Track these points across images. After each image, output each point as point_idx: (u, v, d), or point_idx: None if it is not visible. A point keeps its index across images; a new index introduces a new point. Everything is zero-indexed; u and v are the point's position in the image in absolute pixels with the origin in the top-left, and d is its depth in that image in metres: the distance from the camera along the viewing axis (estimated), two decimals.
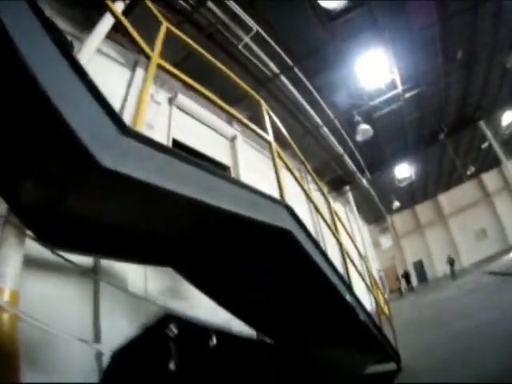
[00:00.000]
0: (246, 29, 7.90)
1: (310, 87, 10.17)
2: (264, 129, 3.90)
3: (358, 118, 11.63)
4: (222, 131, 9.88)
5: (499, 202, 27.18)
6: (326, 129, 11.94)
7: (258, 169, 10.58)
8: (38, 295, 3.53)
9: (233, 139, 10.22)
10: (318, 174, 16.09)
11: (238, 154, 9.97)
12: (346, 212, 20.12)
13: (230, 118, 10.13)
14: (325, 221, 4.44)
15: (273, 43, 8.51)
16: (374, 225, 29.44)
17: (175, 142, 7.72)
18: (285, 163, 3.82)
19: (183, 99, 8.36)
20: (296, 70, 9.51)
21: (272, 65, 9.14)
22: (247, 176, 9.26)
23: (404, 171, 19.03)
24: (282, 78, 9.56)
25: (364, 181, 17.77)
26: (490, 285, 10.73)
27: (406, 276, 24.55)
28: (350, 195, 18.45)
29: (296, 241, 2.51)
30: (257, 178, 9.50)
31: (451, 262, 20.82)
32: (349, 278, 3.95)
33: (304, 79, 9.86)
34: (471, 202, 28.42)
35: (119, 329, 4.06)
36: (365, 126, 11.47)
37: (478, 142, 20.21)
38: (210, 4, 7.18)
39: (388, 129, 14.26)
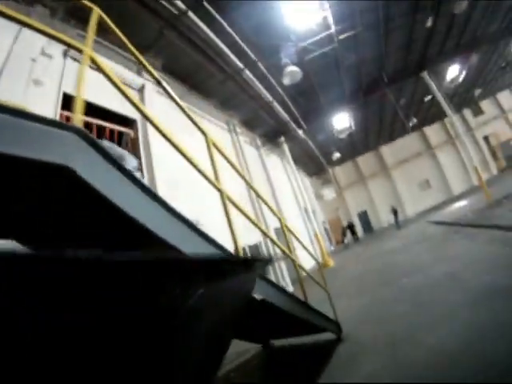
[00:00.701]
0: None
1: (226, 26, 8.95)
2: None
3: (285, 59, 10.53)
4: (129, 82, 8.77)
5: (442, 154, 28.02)
6: (248, 73, 10.81)
7: (178, 121, 9.52)
8: None
9: (141, 89, 9.19)
10: (248, 126, 15.43)
11: (147, 105, 8.91)
12: (284, 164, 19.84)
13: (139, 67, 9.19)
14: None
15: None
16: (316, 177, 29.39)
17: (67, 96, 6.70)
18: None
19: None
20: (207, 5, 8.24)
21: (179, 2, 7.89)
22: (161, 129, 8.15)
23: (343, 121, 18.38)
24: (191, 15, 8.22)
25: (300, 132, 17.13)
26: (435, 234, 10.75)
27: (351, 227, 24.98)
28: (285, 147, 17.86)
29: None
30: (176, 131, 8.47)
31: (394, 211, 21.42)
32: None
33: (218, 16, 8.63)
34: (414, 153, 29.07)
35: None
36: (292, 68, 10.43)
37: (421, 94, 20.06)
38: None
39: (322, 74, 13.31)
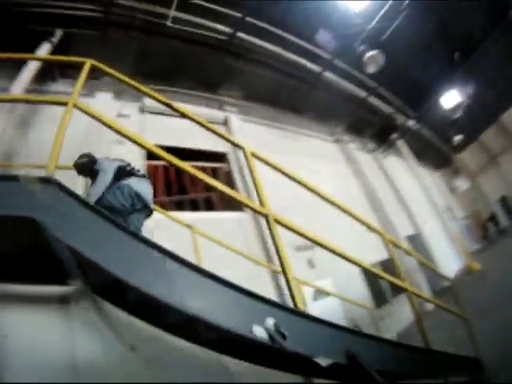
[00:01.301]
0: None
1: (282, 33, 8.63)
2: None
3: (360, 47, 9.43)
4: (212, 118, 8.88)
5: None
6: (329, 74, 10.10)
7: (269, 146, 9.40)
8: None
9: (225, 122, 9.28)
10: (354, 131, 14.28)
11: (236, 136, 8.81)
12: (404, 163, 16.94)
13: (220, 103, 9.50)
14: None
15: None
16: (442, 170, 25.70)
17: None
18: None
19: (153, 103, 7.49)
20: (252, 20, 8.12)
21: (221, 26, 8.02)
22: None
23: (452, 97, 15.89)
24: (242, 35, 8.29)
25: (410, 123, 15.19)
26: None
27: (493, 218, 20.89)
28: (401, 143, 15.76)
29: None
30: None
31: None
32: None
33: (271, 27, 8.45)
34: None
35: None
36: (371, 53, 9.26)
37: None
38: None
39: (408, 51, 11.30)
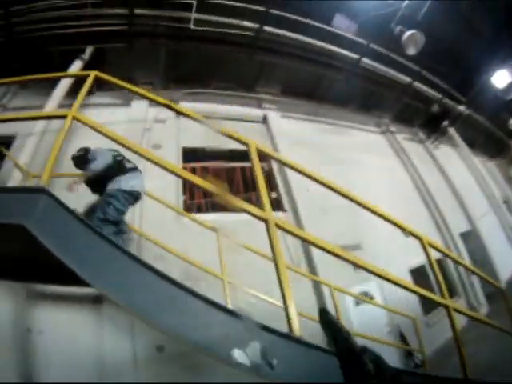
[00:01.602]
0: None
1: (309, 21, 8.30)
2: None
3: (396, 28, 8.76)
4: (252, 117, 9.07)
5: None
6: (366, 60, 9.54)
7: (311, 141, 9.21)
8: None
9: (264, 120, 9.11)
10: (402, 120, 13.42)
11: (275, 132, 8.83)
12: (458, 153, 15.55)
13: (258, 101, 9.39)
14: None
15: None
16: (500, 158, 23.56)
17: (186, 150, 7.75)
18: None
19: (188, 105, 8.01)
20: (277, 12, 7.91)
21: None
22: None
23: (504, 76, 14.49)
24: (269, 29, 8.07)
25: (461, 108, 13.93)
26: None
27: None
28: (452, 131, 14.37)
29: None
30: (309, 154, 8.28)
31: None
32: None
33: (295, 16, 8.14)
34: None
35: None
36: (409, 32, 8.54)
37: None
38: None
39: (449, 28, 10.07)
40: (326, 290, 5.98)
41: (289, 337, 1.77)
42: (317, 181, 2.62)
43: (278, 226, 2.12)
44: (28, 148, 6.25)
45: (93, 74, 2.91)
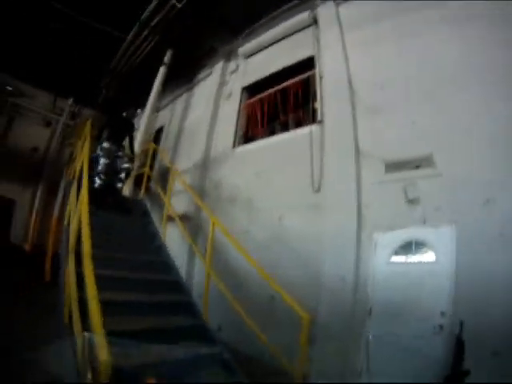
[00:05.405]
0: None
1: None
2: None
3: None
4: (297, 22, 7.89)
5: None
6: None
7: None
8: None
9: (313, 22, 7.55)
10: None
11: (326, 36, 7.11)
12: None
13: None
14: None
15: None
16: None
17: (246, 88, 8.82)
18: None
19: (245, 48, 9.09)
20: None
21: None
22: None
23: None
24: None
25: None
26: None
27: None
28: None
29: None
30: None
31: None
32: None
33: None
34: None
35: None
36: None
37: None
38: None
39: None
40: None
41: None
42: None
43: None
44: None
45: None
